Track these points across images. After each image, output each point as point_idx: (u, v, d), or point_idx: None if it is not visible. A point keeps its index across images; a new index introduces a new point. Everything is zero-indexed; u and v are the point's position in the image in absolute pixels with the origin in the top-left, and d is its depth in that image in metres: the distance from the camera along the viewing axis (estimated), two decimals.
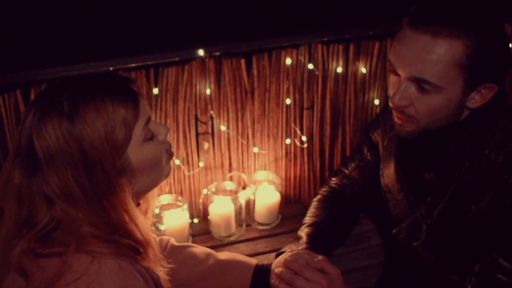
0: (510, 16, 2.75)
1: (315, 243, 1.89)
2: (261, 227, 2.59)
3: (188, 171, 2.56)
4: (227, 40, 2.44)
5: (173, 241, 1.83)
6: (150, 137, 1.38)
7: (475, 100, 1.59)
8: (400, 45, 1.57)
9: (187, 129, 2.47)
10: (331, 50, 2.52)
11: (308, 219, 2.03)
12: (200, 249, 1.81)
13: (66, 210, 1.29)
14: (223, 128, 2.51)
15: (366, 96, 2.65)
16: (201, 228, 2.60)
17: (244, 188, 2.63)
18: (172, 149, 1.50)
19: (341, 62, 2.54)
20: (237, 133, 2.56)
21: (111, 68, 2.25)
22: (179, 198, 2.46)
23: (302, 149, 2.69)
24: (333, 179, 2.16)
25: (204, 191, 2.61)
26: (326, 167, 2.78)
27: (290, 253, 1.74)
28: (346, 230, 2.09)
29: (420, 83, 1.55)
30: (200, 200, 2.63)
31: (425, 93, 1.56)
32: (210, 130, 2.52)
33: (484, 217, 1.61)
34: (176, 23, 3.69)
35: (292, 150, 2.69)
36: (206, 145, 2.54)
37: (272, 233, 2.56)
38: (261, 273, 1.75)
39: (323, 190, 2.16)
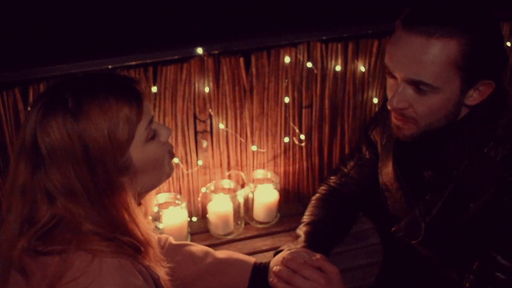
0: (509, 15, 2.76)
1: (313, 241, 1.90)
2: (259, 226, 2.59)
3: (187, 170, 2.56)
4: (226, 39, 2.44)
5: (171, 239, 1.83)
6: (153, 138, 1.38)
7: (474, 97, 1.59)
8: (395, 48, 1.57)
9: (185, 127, 2.47)
10: (330, 49, 2.52)
11: (306, 217, 2.03)
12: (198, 248, 1.82)
13: (67, 207, 1.29)
14: (221, 126, 2.51)
15: (365, 95, 2.65)
16: (200, 226, 2.60)
17: (242, 186, 2.63)
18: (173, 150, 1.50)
19: (340, 61, 2.54)
20: (236, 131, 2.56)
21: (109, 66, 2.25)
22: (178, 196, 2.46)
23: (300, 147, 2.69)
24: (332, 177, 2.16)
25: (203, 190, 2.61)
26: (324, 166, 2.78)
27: (288, 252, 1.74)
28: (344, 229, 2.09)
29: (417, 84, 1.55)
30: (199, 199, 2.63)
31: (423, 94, 1.56)
32: (208, 129, 2.52)
33: (483, 215, 1.61)
34: (175, 22, 3.70)
35: (291, 149, 2.69)
36: (204, 144, 2.54)
37: (270, 232, 2.56)
38: (260, 272, 1.75)
39: (322, 188, 2.16)
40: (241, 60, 2.42)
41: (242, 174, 2.64)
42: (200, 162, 2.56)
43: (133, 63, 2.28)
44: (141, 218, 1.40)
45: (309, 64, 2.51)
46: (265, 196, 2.56)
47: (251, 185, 2.59)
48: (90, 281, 1.24)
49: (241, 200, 2.53)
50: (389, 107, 1.63)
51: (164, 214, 2.37)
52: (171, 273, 1.49)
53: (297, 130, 2.65)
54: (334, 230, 2.02)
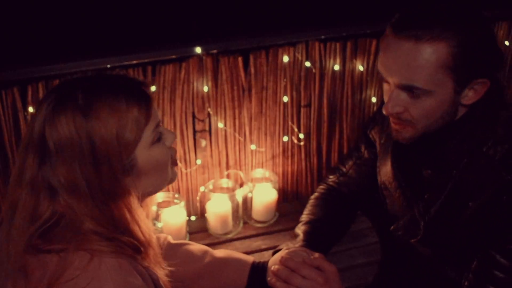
0: (508, 14, 2.76)
1: (311, 240, 1.89)
2: (258, 225, 2.59)
3: (186, 169, 2.56)
4: (224, 38, 2.44)
5: (170, 238, 1.83)
6: (158, 141, 1.39)
7: (469, 96, 1.59)
8: (386, 54, 1.57)
9: (184, 126, 2.47)
10: (328, 48, 2.52)
11: (305, 216, 2.03)
12: (197, 247, 1.82)
13: (69, 203, 1.29)
14: (220, 125, 2.52)
15: (363, 94, 2.65)
16: (198, 225, 2.60)
17: (241, 185, 2.64)
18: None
19: (338, 60, 2.55)
20: (235, 130, 2.56)
21: (108, 66, 2.26)
22: (176, 195, 2.46)
23: (299, 146, 2.69)
24: (331, 177, 2.16)
25: (202, 189, 2.61)
26: (323, 165, 2.78)
27: (287, 251, 1.74)
28: (343, 228, 2.08)
29: (410, 89, 1.55)
30: (198, 198, 2.63)
31: (416, 98, 1.56)
32: (207, 128, 2.52)
33: (482, 214, 1.61)
34: (173, 21, 3.70)
35: (290, 148, 2.69)
36: (203, 143, 2.54)
37: (269, 231, 2.56)
38: (258, 271, 1.75)
39: (320, 187, 2.16)
40: (240, 59, 2.42)
41: (241, 174, 2.65)
42: (198, 161, 2.57)
43: (132, 62, 2.28)
44: (143, 218, 1.40)
45: (308, 64, 2.51)
46: (264, 195, 2.57)
47: (250, 184, 2.59)
48: (88, 281, 1.24)
49: (239, 199, 2.54)
50: (384, 112, 1.63)
51: (163, 213, 2.37)
52: (172, 271, 1.50)
53: (295, 129, 2.65)
54: (332, 229, 2.02)
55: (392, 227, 1.85)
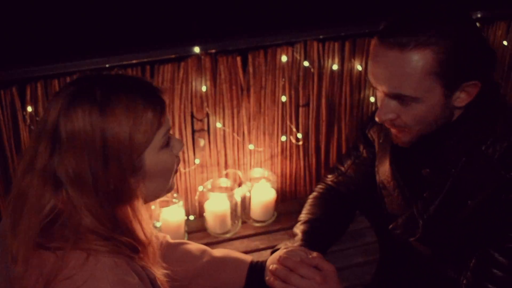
0: (505, 13, 2.76)
1: (310, 240, 1.90)
2: (256, 224, 2.59)
3: (184, 168, 2.56)
4: (223, 38, 2.44)
5: (168, 238, 1.83)
6: (167, 146, 1.40)
7: (461, 98, 1.59)
8: (373, 63, 1.58)
9: (183, 126, 2.47)
10: (326, 48, 2.53)
11: (303, 216, 2.03)
12: (195, 246, 1.82)
13: (72, 196, 1.30)
14: (219, 125, 2.52)
15: (362, 94, 2.66)
16: (197, 225, 2.61)
17: (239, 185, 2.64)
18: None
19: (336, 60, 2.55)
20: (233, 130, 2.56)
21: (107, 65, 2.26)
22: (175, 195, 2.46)
23: (297, 146, 2.70)
24: (329, 176, 2.16)
25: (200, 188, 2.61)
26: (321, 164, 2.79)
27: (285, 250, 1.74)
28: (341, 227, 2.09)
29: (399, 97, 1.56)
30: (196, 197, 2.63)
31: (406, 105, 1.57)
32: (206, 127, 2.53)
33: (481, 212, 1.61)
34: (172, 21, 3.70)
35: (288, 148, 2.69)
36: (202, 142, 2.54)
37: (267, 230, 2.56)
38: (256, 270, 1.76)
39: (319, 187, 2.16)
40: (238, 59, 2.42)
41: (239, 173, 2.65)
42: (197, 161, 2.57)
43: (131, 62, 2.28)
44: (146, 218, 1.42)
45: (306, 63, 2.51)
46: (262, 195, 2.57)
47: (248, 183, 2.59)
48: (85, 279, 1.24)
49: (238, 198, 2.54)
50: (377, 120, 1.64)
51: (161, 213, 2.37)
52: (169, 272, 1.50)
53: (294, 129, 2.65)
54: (331, 229, 2.02)
55: (390, 225, 1.85)
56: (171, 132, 1.44)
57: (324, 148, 2.75)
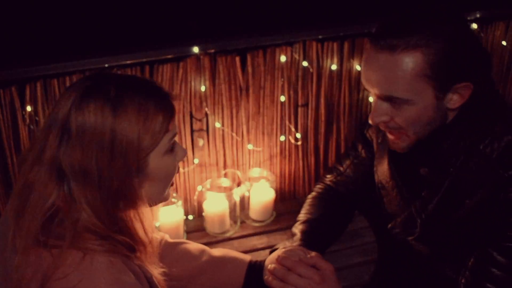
0: (504, 14, 2.77)
1: (308, 240, 1.90)
2: (255, 224, 2.60)
3: (183, 168, 2.56)
4: (222, 38, 2.44)
5: (167, 237, 1.84)
6: (171, 152, 1.41)
7: (454, 100, 1.59)
8: (365, 66, 1.59)
9: (182, 126, 2.47)
10: (325, 48, 2.53)
11: (302, 216, 2.03)
12: (194, 246, 1.82)
13: (74, 190, 1.30)
14: (218, 125, 2.52)
15: (361, 94, 2.66)
16: (196, 224, 2.61)
17: (238, 185, 2.64)
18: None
19: (335, 60, 2.55)
20: (232, 130, 2.56)
21: (106, 65, 2.26)
22: (174, 194, 2.46)
23: (296, 146, 2.70)
24: (328, 176, 2.16)
25: (199, 188, 2.61)
26: (320, 164, 2.79)
27: (283, 250, 1.75)
28: (340, 227, 2.09)
29: (390, 99, 1.56)
30: (195, 197, 2.63)
31: (398, 107, 1.57)
32: (205, 127, 2.53)
33: (479, 211, 1.61)
34: (171, 21, 3.70)
35: (287, 147, 2.70)
36: (201, 142, 2.54)
37: (266, 230, 2.57)
38: (255, 269, 1.76)
39: (318, 187, 2.16)
40: (237, 59, 2.42)
41: (238, 173, 2.65)
42: (196, 161, 2.57)
43: (130, 61, 2.29)
44: (148, 217, 1.42)
45: (305, 63, 2.52)
46: (261, 195, 2.57)
47: (247, 183, 2.60)
48: (80, 279, 1.25)
49: (237, 198, 2.54)
50: (370, 123, 1.64)
51: (160, 212, 2.38)
52: (167, 271, 1.50)
53: (293, 129, 2.65)
54: (329, 229, 2.03)
55: (389, 225, 1.85)
56: (176, 139, 1.45)
57: (323, 148, 2.75)
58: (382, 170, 1.88)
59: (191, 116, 2.49)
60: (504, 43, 2.78)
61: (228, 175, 2.64)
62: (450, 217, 1.67)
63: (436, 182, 1.68)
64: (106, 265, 1.28)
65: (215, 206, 2.49)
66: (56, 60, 2.25)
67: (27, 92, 2.21)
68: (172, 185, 1.50)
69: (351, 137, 2.70)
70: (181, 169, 2.54)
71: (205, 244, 1.87)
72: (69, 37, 3.46)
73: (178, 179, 2.58)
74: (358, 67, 2.57)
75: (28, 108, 2.22)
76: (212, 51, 2.39)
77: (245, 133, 2.59)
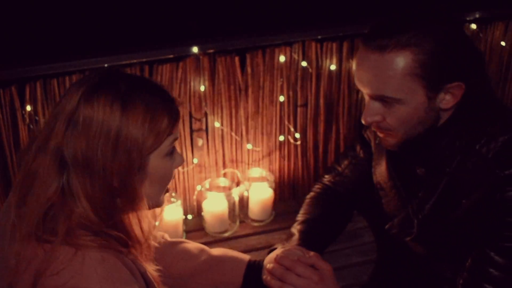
0: (503, 14, 2.77)
1: (307, 240, 1.90)
2: (254, 224, 2.60)
3: (182, 168, 2.57)
4: (221, 38, 2.45)
5: (166, 237, 1.84)
6: (170, 155, 1.42)
7: (447, 100, 1.59)
8: (357, 66, 1.60)
9: (181, 126, 2.48)
10: (324, 48, 2.53)
11: (300, 216, 2.04)
12: (193, 245, 1.82)
13: (73, 181, 1.31)
14: (217, 125, 2.52)
15: (360, 94, 2.66)
16: (195, 224, 2.61)
17: (237, 184, 2.64)
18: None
19: (334, 60, 2.56)
20: (231, 130, 2.57)
21: (106, 65, 2.26)
22: (173, 194, 2.47)
23: (295, 146, 2.70)
24: (326, 176, 2.16)
25: (198, 188, 2.62)
26: (319, 164, 2.79)
27: (282, 249, 1.75)
28: (338, 227, 2.09)
29: (382, 99, 1.57)
30: (194, 197, 2.64)
31: (390, 107, 1.58)
32: (204, 127, 2.53)
33: (476, 211, 1.61)
34: (170, 21, 3.70)
35: (286, 147, 2.70)
36: (200, 142, 2.55)
37: (265, 230, 2.57)
38: (254, 269, 1.76)
39: (316, 187, 2.16)
40: (237, 59, 2.43)
41: (237, 172, 2.65)
42: (195, 160, 2.58)
43: (129, 61, 2.29)
44: (146, 214, 1.43)
45: (304, 63, 2.52)
46: (260, 194, 2.58)
47: (246, 183, 2.60)
48: (72, 275, 1.25)
49: (236, 198, 2.54)
50: (363, 122, 1.65)
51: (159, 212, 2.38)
52: (166, 270, 1.51)
53: (292, 129, 2.66)
54: (328, 229, 2.03)
55: (387, 225, 1.86)
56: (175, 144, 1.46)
57: (322, 148, 2.76)
58: (380, 170, 1.88)
59: (191, 116, 2.49)
60: (503, 43, 2.79)
61: (227, 175, 2.64)
62: (447, 217, 1.67)
63: (433, 182, 1.68)
64: (98, 261, 1.28)
65: (214, 205, 2.50)
66: (55, 60, 2.25)
67: (27, 91, 2.21)
68: (167, 191, 1.51)
69: (350, 137, 2.70)
70: (180, 169, 2.55)
71: (204, 243, 1.87)
72: (69, 37, 3.46)
73: (177, 179, 2.58)
74: None
75: (28, 108, 2.23)
76: (212, 51, 2.39)
77: (244, 133, 2.59)
